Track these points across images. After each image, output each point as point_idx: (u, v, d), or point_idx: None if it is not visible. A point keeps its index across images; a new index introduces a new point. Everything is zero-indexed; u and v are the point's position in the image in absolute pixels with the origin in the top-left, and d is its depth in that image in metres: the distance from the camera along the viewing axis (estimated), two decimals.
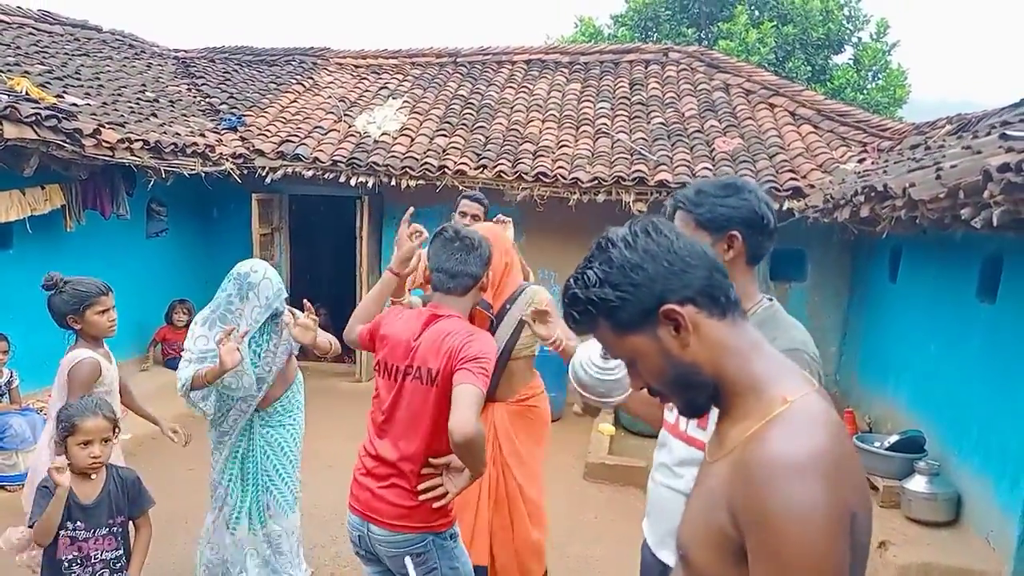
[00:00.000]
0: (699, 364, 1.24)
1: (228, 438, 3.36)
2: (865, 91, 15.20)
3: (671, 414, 2.06)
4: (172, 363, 7.31)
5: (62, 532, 2.61)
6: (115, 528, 2.73)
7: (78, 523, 2.64)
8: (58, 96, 6.12)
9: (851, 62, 15.75)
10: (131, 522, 2.82)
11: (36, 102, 5.37)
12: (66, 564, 2.64)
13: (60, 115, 5.32)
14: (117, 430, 2.77)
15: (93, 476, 2.69)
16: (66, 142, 5.33)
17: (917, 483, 4.49)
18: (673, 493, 1.99)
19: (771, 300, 1.91)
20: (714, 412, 1.31)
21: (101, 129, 5.73)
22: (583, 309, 1.27)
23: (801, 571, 1.06)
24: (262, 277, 3.15)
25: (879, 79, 15.64)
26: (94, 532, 2.67)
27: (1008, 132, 3.52)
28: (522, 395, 3.34)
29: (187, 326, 7.02)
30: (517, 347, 3.25)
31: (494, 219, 3.33)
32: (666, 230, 1.28)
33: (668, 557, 2.00)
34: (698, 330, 1.23)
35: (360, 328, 2.67)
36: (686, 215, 1.90)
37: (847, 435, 1.20)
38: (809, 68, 15.02)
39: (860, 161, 7.01)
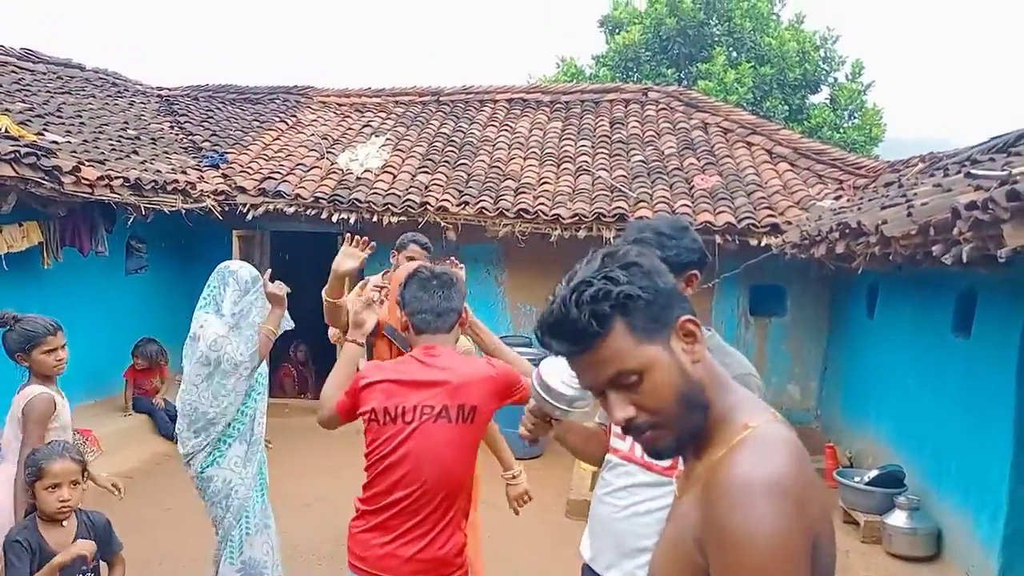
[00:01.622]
0: (704, 385, 1.21)
1: (259, 440, 3.50)
2: (841, 130, 15.49)
3: (623, 442, 2.05)
4: (138, 401, 6.94)
5: None
6: (88, 574, 2.66)
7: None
8: (38, 134, 6.11)
9: (827, 102, 16.06)
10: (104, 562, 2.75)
11: (15, 139, 5.36)
12: None
13: (39, 152, 5.30)
14: (86, 473, 2.71)
15: (64, 523, 2.62)
16: (45, 179, 5.31)
17: (898, 518, 4.49)
18: (618, 510, 2.04)
19: (711, 329, 1.96)
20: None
21: (81, 166, 5.71)
22: (603, 311, 1.16)
23: None
24: (239, 266, 3.59)
25: (855, 118, 15.96)
26: None
27: (974, 171, 3.59)
28: None
29: (147, 369, 6.90)
30: None
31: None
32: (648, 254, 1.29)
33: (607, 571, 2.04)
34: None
35: (333, 402, 2.45)
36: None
37: (809, 461, 1.20)
38: (786, 107, 15.30)
39: (836, 198, 7.12)
